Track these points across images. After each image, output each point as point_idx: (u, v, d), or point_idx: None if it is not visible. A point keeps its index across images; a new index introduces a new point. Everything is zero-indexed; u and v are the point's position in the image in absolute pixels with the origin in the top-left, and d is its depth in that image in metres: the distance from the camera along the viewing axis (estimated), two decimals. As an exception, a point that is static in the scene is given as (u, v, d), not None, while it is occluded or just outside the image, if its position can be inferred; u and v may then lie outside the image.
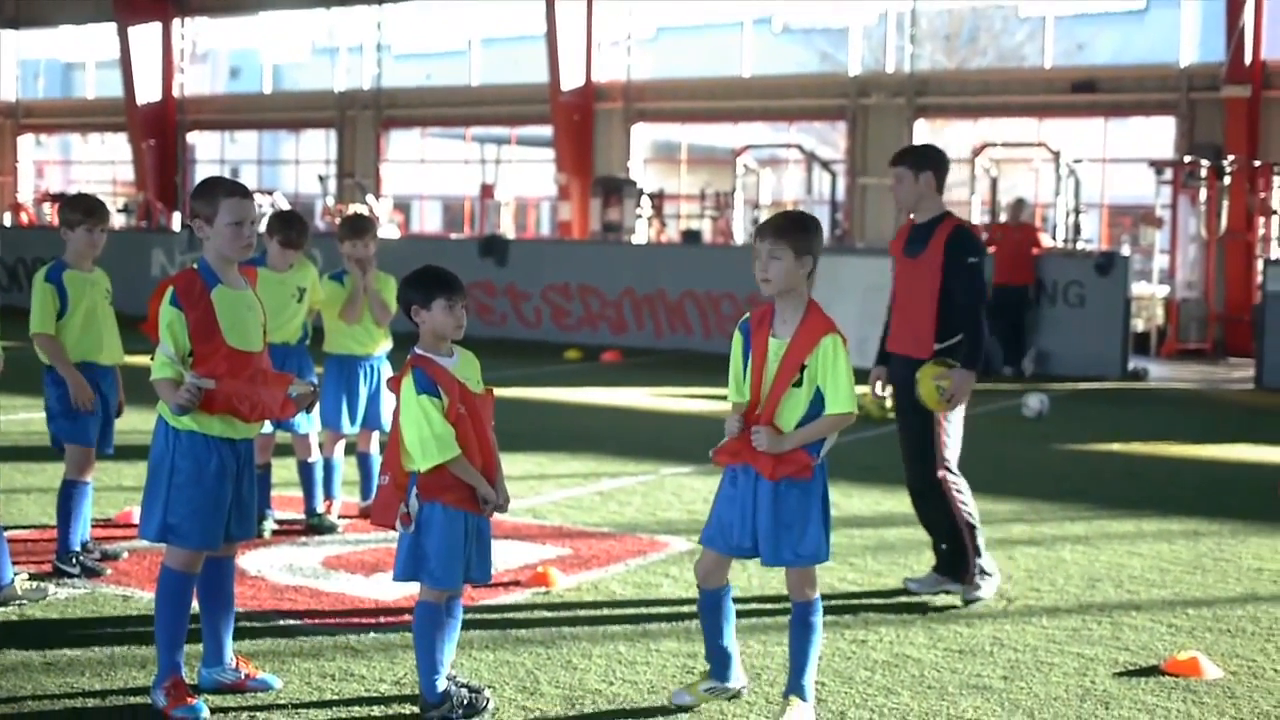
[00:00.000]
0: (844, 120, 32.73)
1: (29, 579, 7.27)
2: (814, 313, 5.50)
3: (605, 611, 7.19)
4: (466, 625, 6.61)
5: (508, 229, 34.62)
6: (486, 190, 35.67)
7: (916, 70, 32.68)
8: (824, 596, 7.45)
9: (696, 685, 5.80)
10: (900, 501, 10.11)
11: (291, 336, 8.60)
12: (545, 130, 35.66)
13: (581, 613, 7.15)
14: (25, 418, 12.79)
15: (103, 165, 47.06)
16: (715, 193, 32.46)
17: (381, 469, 5.68)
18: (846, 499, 10.20)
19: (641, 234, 29.44)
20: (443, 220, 47.88)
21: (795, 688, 5.58)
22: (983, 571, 7.54)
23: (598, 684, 6.06)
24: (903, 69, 32.56)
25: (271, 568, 7.88)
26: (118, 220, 37.35)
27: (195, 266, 5.67)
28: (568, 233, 33.27)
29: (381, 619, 6.96)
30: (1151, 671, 6.39)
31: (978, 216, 26.23)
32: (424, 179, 42.27)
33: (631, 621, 6.99)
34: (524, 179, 41.10)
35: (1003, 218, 23.18)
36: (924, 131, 31.91)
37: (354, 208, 31.07)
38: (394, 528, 5.59)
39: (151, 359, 5.62)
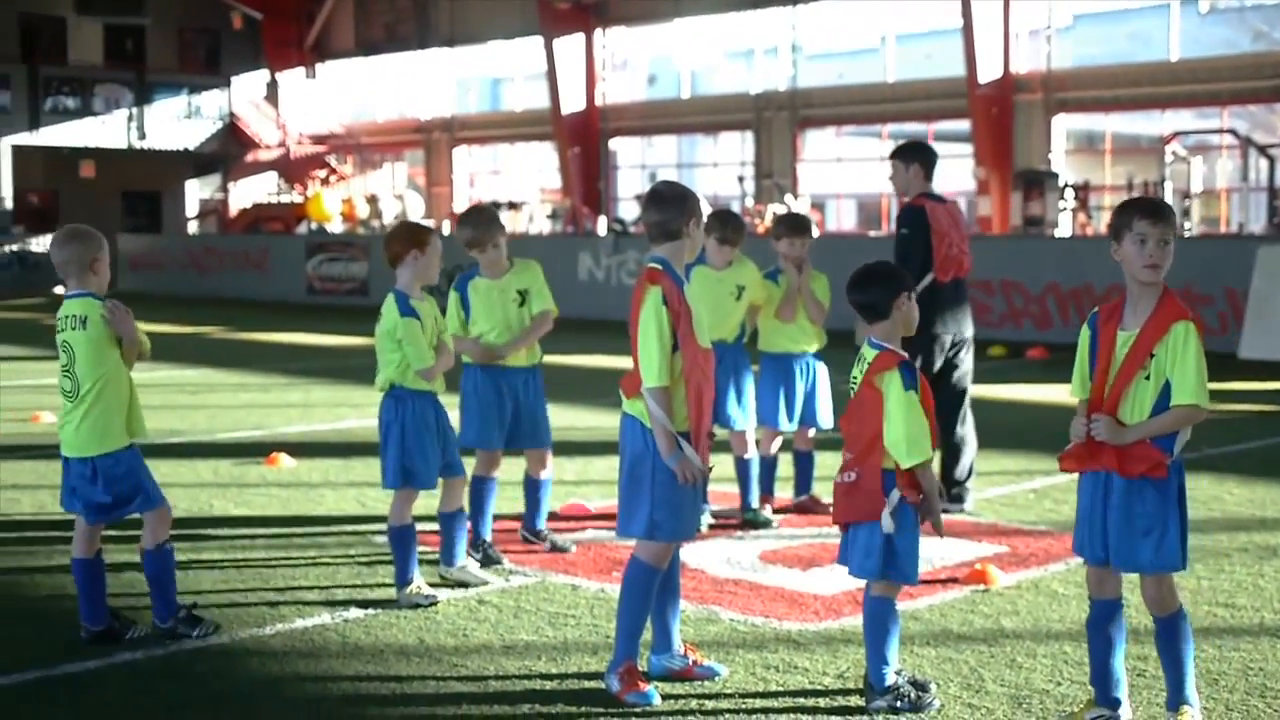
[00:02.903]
0: (1282, 102, 31.10)
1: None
2: (1169, 301, 5.15)
3: (1047, 610, 7.04)
4: (907, 621, 6.61)
5: (925, 225, 34.29)
6: (903, 187, 35.44)
7: (1364, 45, 30.74)
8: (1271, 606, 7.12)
9: (1082, 714, 5.41)
10: (1360, 502, 9.54)
11: (729, 334, 8.75)
12: (963, 124, 35.20)
13: (1023, 611, 7.02)
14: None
15: (530, 174, 49.02)
16: (1142, 183, 31.34)
17: (847, 465, 5.62)
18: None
19: (1065, 227, 28.68)
20: (857, 218, 47.81)
21: (1183, 698, 5.27)
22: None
23: (1044, 684, 5.93)
24: (1349, 44, 30.68)
25: (711, 561, 8.04)
26: (544, 226, 38.86)
27: (659, 266, 5.78)
28: (988, 228, 32.71)
29: (821, 612, 7.01)
30: None
31: None
32: (839, 178, 42.32)
33: (1075, 620, 6.81)
34: (942, 174, 40.61)
35: None
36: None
37: (772, 208, 31.44)
38: (854, 522, 5.59)
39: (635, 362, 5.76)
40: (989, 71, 33.73)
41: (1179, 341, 5.06)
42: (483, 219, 7.95)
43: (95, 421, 6.39)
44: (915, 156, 9.29)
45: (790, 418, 9.09)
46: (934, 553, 8.07)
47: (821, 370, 9.18)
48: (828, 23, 42.61)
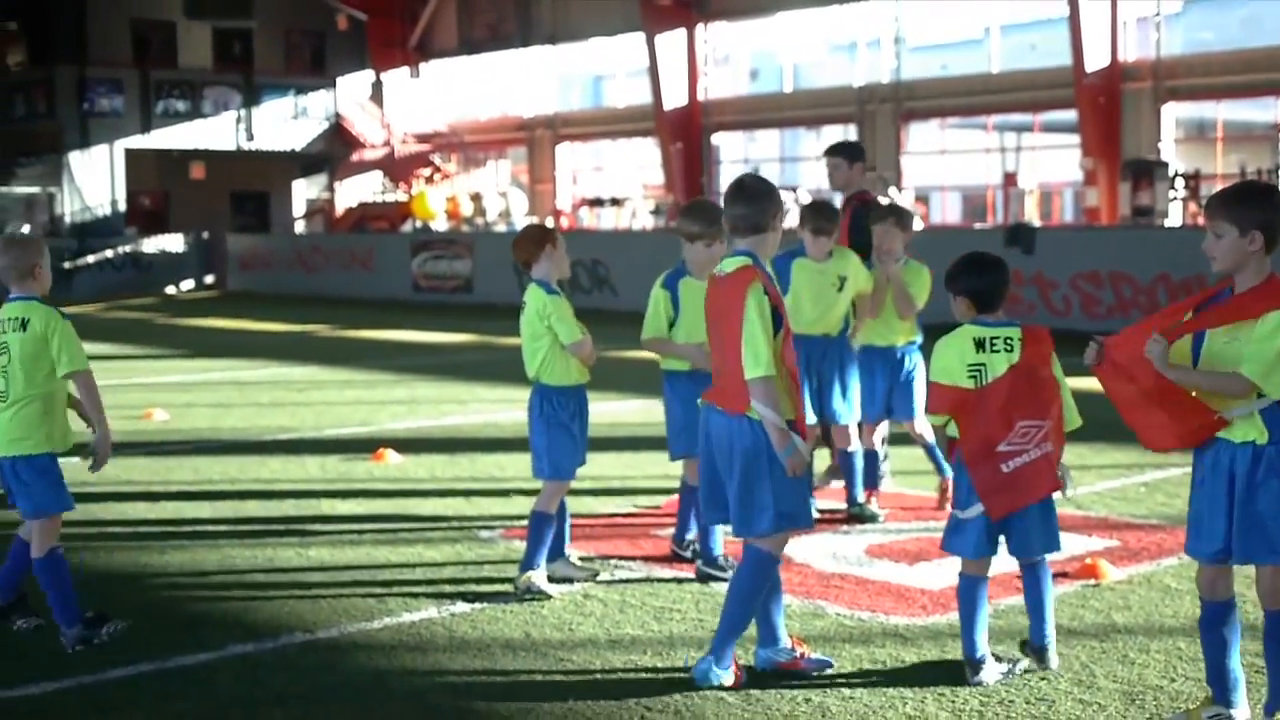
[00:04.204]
0: (1401, 86, 30.40)
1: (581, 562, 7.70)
2: (1271, 286, 4.93)
3: (1160, 605, 6.92)
4: (1016, 616, 6.53)
5: (1031, 217, 33.93)
6: (1009, 179, 35.10)
7: None
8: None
9: (1198, 712, 5.27)
10: None
11: (833, 328, 8.63)
12: (1069, 115, 34.75)
13: (1135, 606, 6.91)
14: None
15: (632, 170, 49.07)
16: (1256, 171, 30.76)
17: (1041, 438, 5.81)
18: None
19: (1175, 217, 28.22)
20: (962, 210, 47.40)
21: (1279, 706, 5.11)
22: None
23: (1158, 679, 5.84)
24: None
25: (816, 555, 7.99)
26: (647, 222, 38.92)
27: (750, 261, 5.78)
28: (1095, 219, 32.29)
29: (929, 607, 6.94)
30: None
31: None
32: (944, 170, 41.97)
33: (1189, 616, 6.68)
34: (1047, 165, 40.18)
35: None
36: None
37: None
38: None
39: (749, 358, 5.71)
40: (1096, 60, 33.26)
41: (1270, 326, 4.86)
42: (714, 213, 7.30)
43: (21, 423, 6.48)
44: (858, 155, 9.80)
45: (869, 411, 8.98)
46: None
47: (918, 364, 9.04)
48: (931, 14, 42.23)
